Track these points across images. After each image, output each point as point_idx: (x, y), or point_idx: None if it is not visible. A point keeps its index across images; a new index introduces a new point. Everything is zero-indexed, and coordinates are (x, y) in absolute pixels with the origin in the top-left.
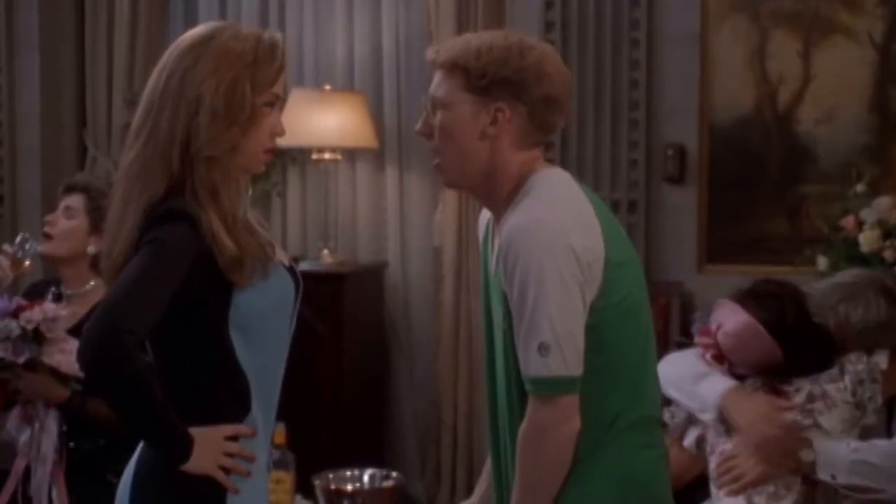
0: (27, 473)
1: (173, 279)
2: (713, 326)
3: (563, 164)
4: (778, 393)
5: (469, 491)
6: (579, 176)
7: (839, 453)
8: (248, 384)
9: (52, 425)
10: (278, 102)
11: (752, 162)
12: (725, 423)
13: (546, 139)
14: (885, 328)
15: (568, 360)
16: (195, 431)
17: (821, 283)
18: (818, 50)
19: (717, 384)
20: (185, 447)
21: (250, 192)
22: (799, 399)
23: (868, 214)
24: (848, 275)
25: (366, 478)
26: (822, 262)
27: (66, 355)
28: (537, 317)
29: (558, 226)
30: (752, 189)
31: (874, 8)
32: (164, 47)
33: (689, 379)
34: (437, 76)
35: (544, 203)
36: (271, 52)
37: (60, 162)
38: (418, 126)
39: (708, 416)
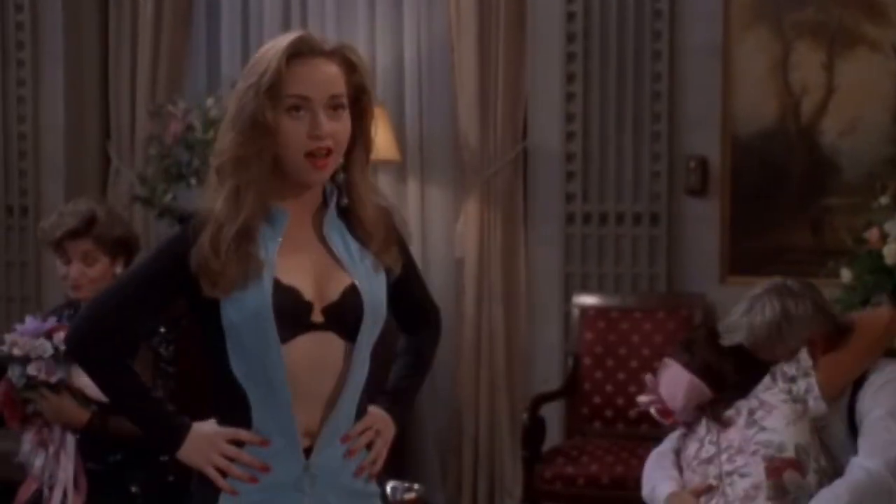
0: (39, 497)
1: (153, 276)
2: (656, 387)
3: (585, 177)
4: (724, 423)
5: (491, 501)
6: (601, 189)
7: None
8: (245, 394)
9: (70, 449)
10: (307, 105)
11: (775, 174)
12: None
13: None
14: (788, 323)
15: None
16: (197, 425)
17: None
18: (842, 61)
19: (661, 492)
20: (176, 435)
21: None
22: (741, 419)
23: (892, 227)
24: (752, 290)
25: (388, 489)
26: (845, 274)
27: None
28: None
29: None
30: (775, 201)
31: None
32: (186, 60)
33: (647, 487)
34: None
35: None
36: (277, 55)
37: (84, 173)
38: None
39: None
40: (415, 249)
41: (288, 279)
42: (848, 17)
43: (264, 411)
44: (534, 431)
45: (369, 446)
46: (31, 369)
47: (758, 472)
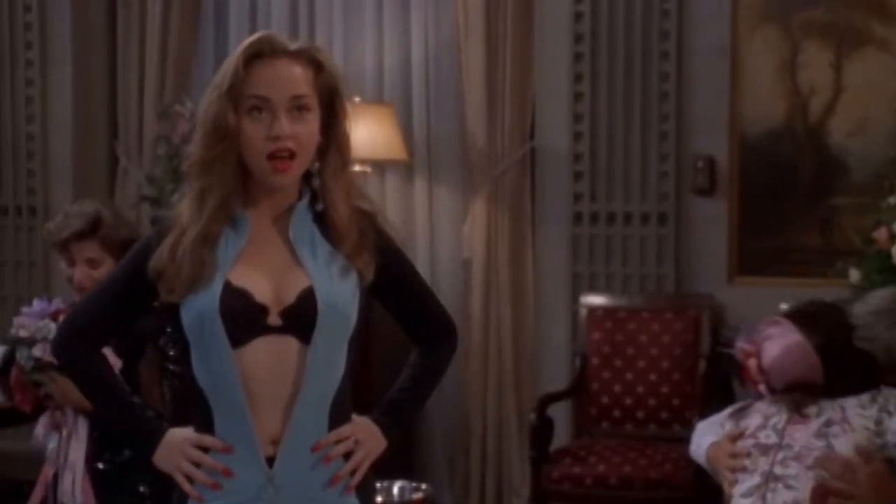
0: (55, 481)
1: (123, 282)
2: (760, 338)
3: (593, 177)
4: (799, 416)
5: (499, 501)
6: (609, 189)
7: None
8: (207, 400)
9: (82, 432)
10: (267, 105)
11: (783, 174)
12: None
13: None
14: None
15: None
16: (172, 431)
17: (857, 305)
18: (850, 61)
19: (705, 443)
20: (151, 439)
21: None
22: (816, 423)
23: None
24: (887, 299)
25: (395, 490)
26: (854, 274)
27: (108, 354)
28: None
29: None
30: (783, 201)
31: None
32: (194, 60)
33: (694, 444)
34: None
35: None
36: (236, 56)
37: (92, 174)
38: None
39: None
40: (422, 250)
41: (240, 281)
42: (856, 18)
43: (224, 417)
44: (541, 431)
45: (347, 457)
46: (37, 351)
47: (804, 489)
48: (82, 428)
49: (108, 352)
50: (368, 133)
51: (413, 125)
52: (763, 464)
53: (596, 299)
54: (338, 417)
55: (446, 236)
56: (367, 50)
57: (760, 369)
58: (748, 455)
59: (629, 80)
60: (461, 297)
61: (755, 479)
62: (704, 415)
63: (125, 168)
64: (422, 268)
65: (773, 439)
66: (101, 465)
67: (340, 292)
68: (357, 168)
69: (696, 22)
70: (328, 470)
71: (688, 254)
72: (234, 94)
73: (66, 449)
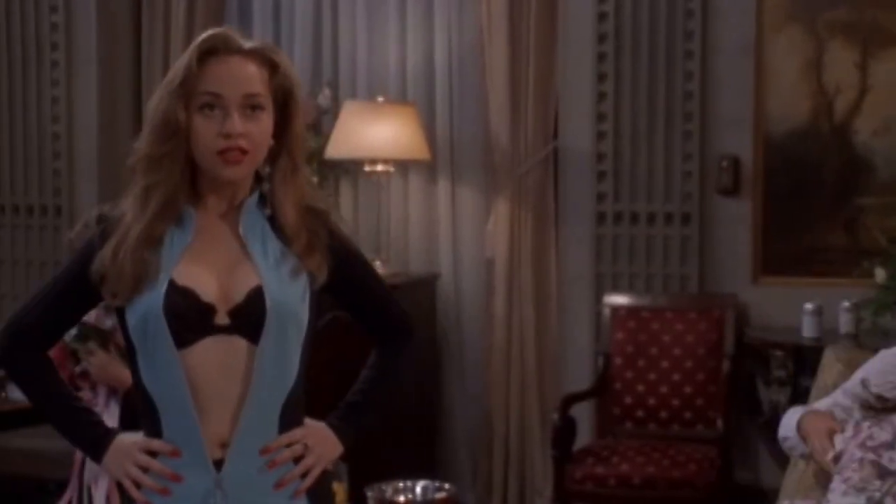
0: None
1: (66, 284)
2: None
3: (616, 176)
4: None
5: (521, 501)
6: (632, 188)
7: None
8: (153, 401)
9: (113, 413)
10: (219, 103)
11: (808, 173)
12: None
13: None
14: None
15: None
16: (120, 436)
17: None
18: (875, 60)
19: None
20: (99, 445)
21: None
22: (886, 435)
23: None
24: None
25: (418, 489)
26: (879, 274)
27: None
28: None
29: None
30: (808, 200)
31: None
32: None
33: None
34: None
35: None
36: (189, 52)
37: (117, 173)
38: None
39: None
40: (445, 250)
41: (185, 280)
42: (882, 17)
43: (170, 420)
44: (564, 431)
45: (297, 461)
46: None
47: None
48: (114, 410)
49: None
50: (391, 133)
51: (436, 125)
52: (873, 488)
53: (619, 299)
54: (289, 420)
55: (469, 236)
56: (390, 49)
57: None
58: (860, 465)
59: (653, 80)
60: (484, 297)
61: (859, 500)
62: (727, 415)
63: None
64: (444, 268)
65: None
66: None
67: (290, 293)
68: (380, 168)
69: (720, 21)
70: (276, 474)
71: (712, 253)
72: (186, 91)
73: None
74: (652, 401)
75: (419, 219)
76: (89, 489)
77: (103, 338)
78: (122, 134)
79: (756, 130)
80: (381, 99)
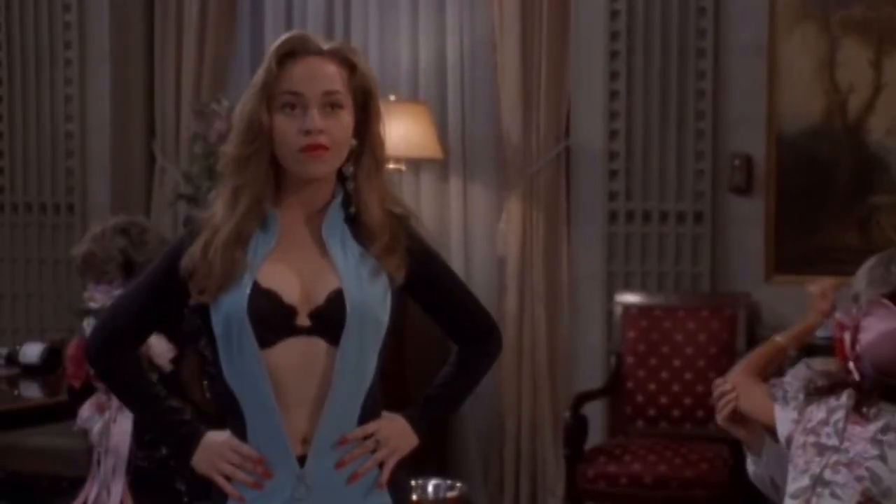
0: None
1: (154, 283)
2: (860, 315)
3: (628, 175)
4: (859, 415)
5: (533, 500)
6: (644, 187)
7: None
8: (237, 401)
9: (127, 416)
10: (300, 101)
11: (821, 172)
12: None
13: None
14: None
15: None
16: (210, 434)
17: None
18: (889, 59)
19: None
20: (189, 443)
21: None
22: (874, 427)
23: None
24: None
25: (430, 488)
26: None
27: (160, 342)
28: None
29: None
30: (821, 199)
31: None
32: (231, 60)
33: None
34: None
35: None
36: (270, 55)
37: (129, 172)
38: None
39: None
40: (456, 248)
41: (269, 283)
42: None
43: (255, 417)
44: (576, 430)
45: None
46: None
47: (850, 501)
48: (128, 412)
49: (161, 340)
50: (403, 131)
51: (448, 123)
52: (815, 465)
53: (631, 298)
54: (368, 417)
55: (481, 235)
56: (402, 48)
57: (853, 347)
58: (804, 449)
59: (665, 78)
60: (496, 296)
61: (804, 481)
62: None
63: (162, 166)
64: (456, 266)
65: (833, 441)
66: (137, 462)
67: (370, 294)
68: (392, 166)
69: (732, 19)
70: (352, 466)
71: (724, 252)
72: (268, 92)
73: (107, 433)
74: (664, 399)
75: (431, 217)
76: (106, 490)
77: None
78: (135, 132)
79: (769, 129)
80: (392, 97)
